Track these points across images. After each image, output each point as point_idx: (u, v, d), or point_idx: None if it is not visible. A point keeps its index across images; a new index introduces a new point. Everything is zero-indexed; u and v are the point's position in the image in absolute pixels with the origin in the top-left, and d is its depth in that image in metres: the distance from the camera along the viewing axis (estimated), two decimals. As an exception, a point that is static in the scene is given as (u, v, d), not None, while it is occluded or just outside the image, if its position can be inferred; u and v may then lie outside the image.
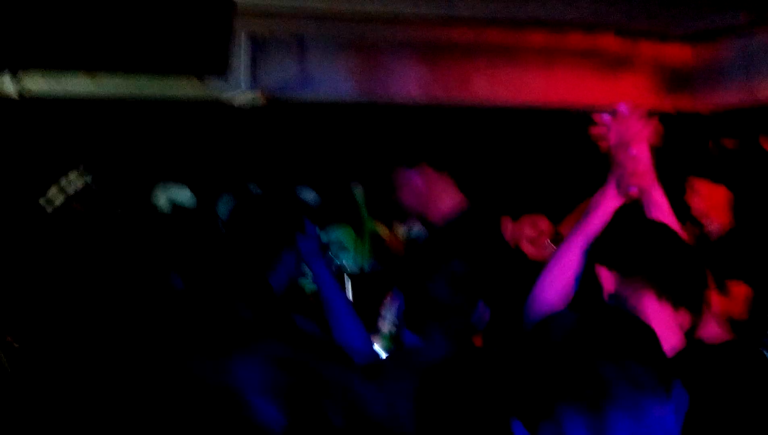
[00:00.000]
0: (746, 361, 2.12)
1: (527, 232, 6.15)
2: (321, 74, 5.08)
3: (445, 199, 3.39)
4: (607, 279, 2.08)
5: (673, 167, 5.75)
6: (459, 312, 2.14)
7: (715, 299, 4.46)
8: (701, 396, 1.79)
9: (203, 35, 3.63)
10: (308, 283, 5.68)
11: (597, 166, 6.48)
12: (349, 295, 2.59)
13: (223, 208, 5.23)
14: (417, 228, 4.54)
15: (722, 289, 4.47)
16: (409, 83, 5.24)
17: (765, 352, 4.05)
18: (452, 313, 2.13)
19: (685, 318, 2.14)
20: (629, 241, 2.20)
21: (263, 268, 2.59)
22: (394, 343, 3.43)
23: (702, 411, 1.77)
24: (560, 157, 6.10)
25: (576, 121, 6.05)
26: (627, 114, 2.48)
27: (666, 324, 2.02)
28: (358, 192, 5.61)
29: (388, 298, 3.91)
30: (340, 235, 5.67)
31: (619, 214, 2.39)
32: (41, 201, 3.98)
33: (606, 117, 2.52)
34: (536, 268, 2.70)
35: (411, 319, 2.19)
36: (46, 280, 2.37)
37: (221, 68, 3.74)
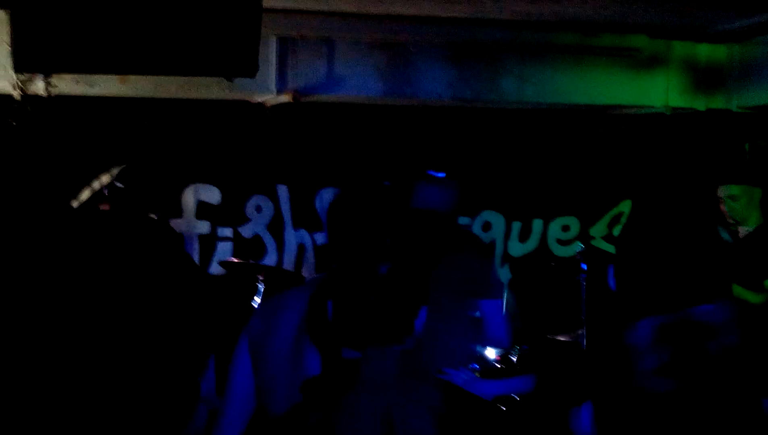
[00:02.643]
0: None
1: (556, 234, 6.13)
2: (349, 75, 5.08)
3: None
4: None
5: (707, 166, 5.69)
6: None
7: (752, 297, 4.42)
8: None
9: (232, 37, 3.65)
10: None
11: (629, 167, 6.42)
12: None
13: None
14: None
15: (758, 287, 4.44)
16: (438, 84, 5.23)
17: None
18: None
19: None
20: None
21: None
22: None
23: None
24: (591, 157, 6.05)
25: (608, 122, 6.01)
26: None
27: None
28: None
29: None
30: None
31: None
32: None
33: None
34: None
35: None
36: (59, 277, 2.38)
37: (250, 69, 3.76)
